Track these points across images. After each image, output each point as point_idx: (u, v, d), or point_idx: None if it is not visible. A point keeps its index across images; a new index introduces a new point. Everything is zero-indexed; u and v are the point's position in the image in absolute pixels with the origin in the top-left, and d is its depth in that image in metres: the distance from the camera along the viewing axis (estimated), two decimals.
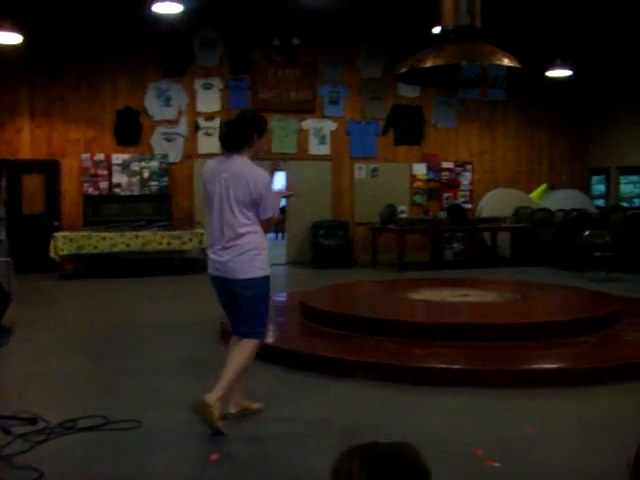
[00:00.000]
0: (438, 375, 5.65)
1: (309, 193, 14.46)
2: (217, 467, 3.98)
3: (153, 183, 13.88)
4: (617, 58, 15.66)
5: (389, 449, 1.68)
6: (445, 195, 15.92)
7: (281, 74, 14.65)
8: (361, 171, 15.20)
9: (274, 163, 5.06)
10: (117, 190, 13.78)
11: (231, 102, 14.38)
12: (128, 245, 12.52)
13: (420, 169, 15.69)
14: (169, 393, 5.42)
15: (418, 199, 15.73)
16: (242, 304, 4.68)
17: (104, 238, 12.44)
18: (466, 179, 16.08)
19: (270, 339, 7.33)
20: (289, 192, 4.96)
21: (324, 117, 14.96)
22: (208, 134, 14.24)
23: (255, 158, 4.68)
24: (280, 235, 21.94)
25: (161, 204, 14.01)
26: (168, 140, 14.10)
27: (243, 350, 4.64)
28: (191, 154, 14.21)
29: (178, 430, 4.54)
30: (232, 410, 4.79)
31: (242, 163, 4.56)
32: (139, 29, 13.61)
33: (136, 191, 13.84)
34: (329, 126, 14.97)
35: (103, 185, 13.70)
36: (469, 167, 16.08)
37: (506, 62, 7.39)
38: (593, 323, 6.88)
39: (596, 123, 16.93)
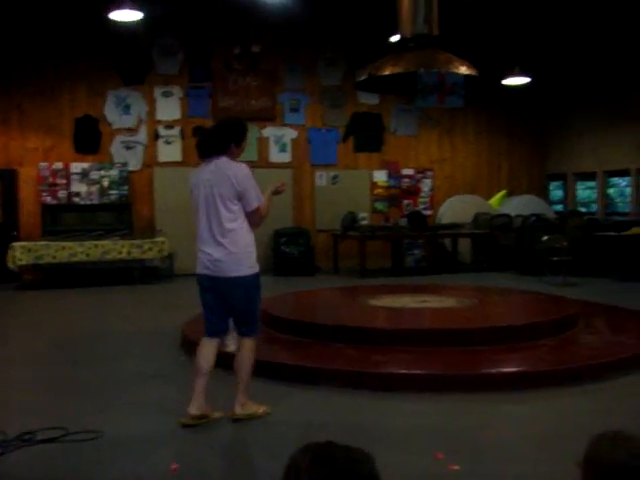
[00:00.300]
0: (399, 381, 5.69)
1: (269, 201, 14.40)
2: (177, 477, 3.96)
3: (113, 192, 13.77)
4: (573, 66, 15.93)
5: (341, 452, 1.70)
6: (405, 202, 16.03)
7: (241, 82, 14.64)
8: (322, 178, 15.25)
9: (279, 186, 5.08)
10: (76, 199, 13.64)
11: (191, 110, 14.35)
12: (88, 254, 12.40)
13: (380, 176, 15.79)
14: (129, 403, 5.38)
15: (379, 206, 15.81)
16: (235, 305, 4.79)
17: (63, 248, 12.31)
18: (426, 186, 16.21)
19: (232, 347, 7.33)
20: (280, 187, 5.02)
21: (284, 125, 14.98)
22: (168, 142, 14.18)
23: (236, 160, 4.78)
24: None
25: (121, 213, 13.90)
26: (128, 148, 14.01)
27: (243, 351, 4.86)
28: (151, 162, 14.13)
29: (138, 440, 4.52)
30: (194, 412, 4.75)
31: (221, 162, 4.68)
32: (98, 37, 13.49)
33: (95, 200, 13.71)
34: (290, 134, 15.00)
35: (62, 194, 13.55)
36: (429, 174, 16.22)
37: (463, 70, 7.47)
38: (551, 326, 6.98)
39: (553, 130, 17.19)
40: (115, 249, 12.54)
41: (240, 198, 4.64)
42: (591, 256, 13.19)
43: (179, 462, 4.10)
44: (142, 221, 14.10)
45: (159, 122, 14.21)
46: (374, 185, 15.77)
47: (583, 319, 7.62)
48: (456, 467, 3.96)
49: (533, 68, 14.92)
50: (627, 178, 15.70)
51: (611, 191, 17.13)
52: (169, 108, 14.23)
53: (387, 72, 7.61)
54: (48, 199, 13.48)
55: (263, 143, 14.86)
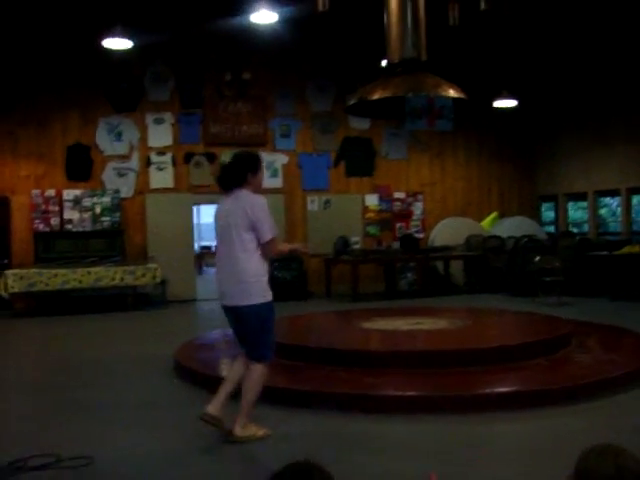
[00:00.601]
0: (393, 403, 5.69)
1: None
2: None
3: (105, 218, 13.79)
4: (559, 88, 16.08)
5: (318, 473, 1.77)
6: (397, 225, 16.07)
7: (232, 108, 14.72)
8: (314, 203, 15.29)
9: (303, 249, 5.55)
10: (69, 226, 13.65)
11: (183, 137, 14.41)
12: (80, 281, 12.38)
13: (372, 200, 15.84)
14: (121, 429, 5.36)
15: (371, 230, 15.85)
16: (247, 331, 4.92)
17: (56, 275, 12.29)
18: (418, 209, 16.27)
19: (225, 372, 7.32)
20: (303, 249, 5.34)
21: (276, 150, 15.04)
22: (160, 169, 14.22)
23: (257, 192, 4.97)
24: None
25: (114, 239, 13.90)
26: (120, 175, 14.04)
27: (252, 375, 4.91)
28: (143, 189, 14.15)
29: (130, 466, 4.50)
30: (213, 412, 4.88)
31: (240, 194, 4.87)
32: (89, 65, 13.60)
33: (88, 227, 13.73)
34: (281, 159, 15.06)
35: (54, 221, 13.56)
36: (420, 197, 16.28)
37: (452, 93, 7.55)
38: (544, 346, 6.99)
39: (543, 151, 17.30)
40: (108, 276, 12.53)
41: (254, 229, 4.77)
42: (583, 276, 13.24)
43: None
44: (135, 248, 14.11)
45: (151, 149, 14.26)
46: (366, 209, 15.82)
47: (576, 338, 7.64)
48: None
49: (520, 91, 15.07)
50: (617, 198, 15.80)
51: (603, 211, 17.24)
52: (161, 135, 14.29)
53: (376, 96, 7.67)
54: (40, 226, 13.49)
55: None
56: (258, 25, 11.78)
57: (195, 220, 19.57)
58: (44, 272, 12.28)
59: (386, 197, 15.98)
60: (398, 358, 6.62)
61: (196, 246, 19.98)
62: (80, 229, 13.70)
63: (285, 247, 5.56)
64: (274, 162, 14.99)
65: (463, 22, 8.56)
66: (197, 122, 14.55)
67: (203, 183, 14.52)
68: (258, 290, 4.81)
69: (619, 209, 15.82)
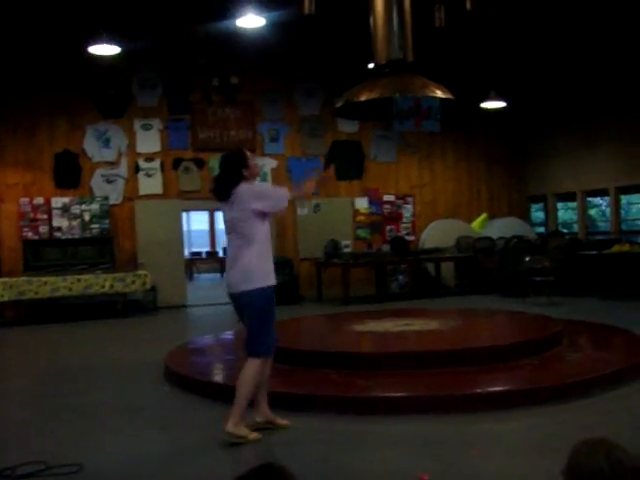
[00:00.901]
0: (383, 404, 5.67)
1: None
2: None
3: (94, 226, 13.74)
4: (548, 88, 16.12)
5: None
6: (388, 228, 16.07)
7: (220, 113, 14.70)
8: (303, 207, 15.26)
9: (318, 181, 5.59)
10: (58, 234, 13.59)
11: (171, 143, 14.38)
12: (70, 289, 12.32)
13: (362, 203, 15.84)
14: (110, 435, 5.32)
15: (361, 233, 15.85)
16: (248, 320, 5.04)
17: (45, 283, 12.23)
18: (408, 211, 16.27)
19: (218, 377, 7.30)
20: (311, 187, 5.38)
21: (265, 155, 15.02)
22: (148, 175, 14.19)
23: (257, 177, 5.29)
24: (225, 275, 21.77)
25: (103, 247, 13.85)
26: (108, 182, 14.00)
27: (247, 370, 4.97)
28: (132, 195, 14.11)
29: (119, 472, 4.47)
30: (258, 419, 5.15)
31: (236, 191, 5.00)
32: (76, 71, 13.56)
33: (77, 234, 13.67)
34: (270, 164, 15.03)
35: (43, 229, 13.50)
36: (410, 199, 16.29)
37: (439, 94, 7.54)
38: (535, 346, 6.99)
39: (532, 152, 17.34)
40: (98, 283, 12.47)
41: (264, 206, 4.97)
42: (573, 276, 13.26)
43: None
44: (124, 254, 14.06)
45: (139, 155, 14.22)
46: (356, 212, 15.82)
47: (567, 337, 7.65)
48: None
49: (508, 92, 15.11)
50: (606, 198, 15.84)
51: (592, 212, 17.29)
52: (149, 141, 14.26)
53: (363, 98, 7.67)
54: (29, 234, 13.42)
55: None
56: (245, 30, 11.77)
57: (185, 226, 19.56)
58: (33, 280, 12.22)
59: (376, 200, 15.98)
60: (389, 360, 6.61)
61: (186, 252, 19.93)
62: (69, 237, 13.64)
63: (294, 193, 5.54)
64: (263, 167, 14.94)
65: (449, 23, 8.57)
66: (185, 128, 14.52)
67: (192, 189, 14.50)
68: (259, 276, 4.94)
69: (608, 209, 15.86)
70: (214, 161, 14.49)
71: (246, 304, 4.99)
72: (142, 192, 14.18)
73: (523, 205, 17.66)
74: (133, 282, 12.68)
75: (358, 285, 14.61)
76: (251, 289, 4.93)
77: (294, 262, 14.76)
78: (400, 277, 15.56)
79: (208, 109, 14.65)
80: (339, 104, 8.22)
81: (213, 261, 24.32)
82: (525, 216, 17.47)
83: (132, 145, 14.19)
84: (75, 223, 13.66)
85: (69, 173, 13.78)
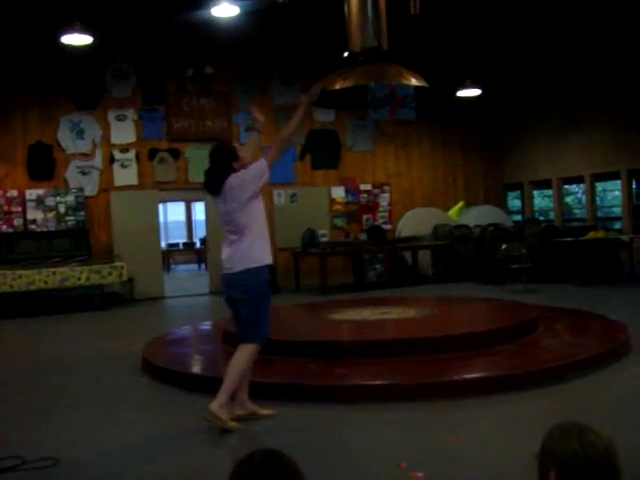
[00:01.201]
0: (361, 392, 5.68)
1: None
2: None
3: (70, 218, 13.62)
4: (523, 76, 16.19)
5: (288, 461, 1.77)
6: (364, 217, 16.08)
7: (195, 103, 14.61)
8: (280, 197, 15.23)
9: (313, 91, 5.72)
10: (32, 226, 13.46)
11: (146, 133, 14.28)
12: (46, 282, 12.21)
13: (339, 192, 15.83)
14: (87, 428, 5.28)
15: (338, 222, 15.84)
16: (241, 305, 5.07)
17: (20, 276, 12.11)
18: (384, 200, 16.28)
19: (195, 368, 7.28)
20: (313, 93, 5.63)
21: (241, 145, 14.89)
22: (124, 166, 14.08)
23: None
24: (203, 265, 21.73)
25: (79, 239, 13.74)
26: (83, 173, 13.88)
27: (240, 354, 5.03)
28: (107, 187, 14.00)
29: (96, 465, 4.44)
30: (239, 412, 5.13)
31: (227, 181, 5.03)
32: (49, 61, 13.41)
33: (52, 227, 13.55)
34: None
35: (17, 222, 13.37)
36: (387, 188, 16.30)
37: (413, 82, 7.52)
38: (511, 332, 7.03)
39: (508, 140, 17.41)
40: (74, 275, 12.37)
41: (254, 184, 5.02)
42: (550, 262, 13.34)
43: None
44: (100, 246, 13.96)
45: (114, 146, 14.10)
46: (333, 202, 15.80)
47: (543, 323, 7.70)
48: (419, 474, 3.95)
49: (484, 80, 15.14)
50: (582, 186, 15.95)
51: (568, 199, 17.39)
52: (124, 131, 14.14)
53: (338, 86, 7.64)
54: (4, 227, 13.29)
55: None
56: (220, 19, 11.72)
57: (162, 218, 19.46)
58: (8, 274, 12.09)
59: (352, 189, 15.98)
60: (368, 348, 6.62)
61: (163, 244, 19.84)
62: (44, 229, 13.52)
63: (299, 112, 5.64)
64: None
65: (424, 10, 8.55)
66: (160, 118, 14.42)
67: (168, 179, 14.42)
68: (256, 257, 5.01)
69: (584, 197, 15.97)
70: (190, 151, 14.46)
71: (242, 286, 5.01)
72: (117, 183, 14.07)
73: (499, 193, 17.73)
74: (110, 274, 12.59)
75: (335, 274, 14.61)
76: (247, 268, 4.97)
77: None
78: (377, 266, 15.60)
79: (183, 99, 14.55)
80: None
81: (190, 252, 24.21)
82: (501, 204, 17.55)
83: (106, 136, 14.07)
84: (50, 215, 13.53)
85: (43, 165, 13.64)
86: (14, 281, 12.05)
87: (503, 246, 12.81)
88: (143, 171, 14.24)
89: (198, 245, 23.42)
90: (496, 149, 17.52)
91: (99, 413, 5.69)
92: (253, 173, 5.03)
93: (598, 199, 16.07)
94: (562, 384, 5.69)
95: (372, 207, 16.18)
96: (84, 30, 11.23)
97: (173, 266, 23.80)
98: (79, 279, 12.39)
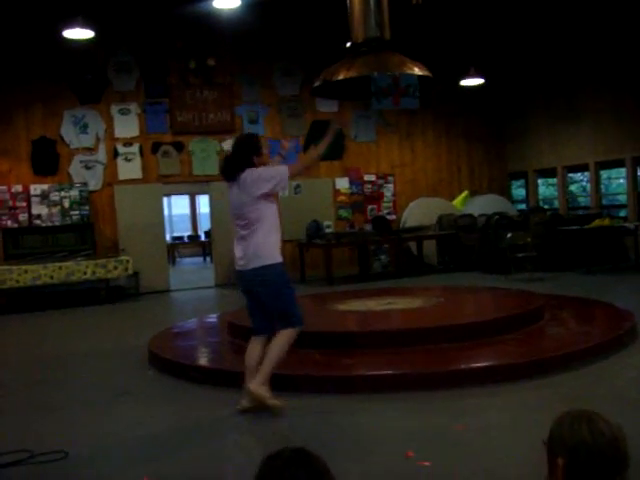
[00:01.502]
0: (368, 382, 5.69)
1: None
2: None
3: (74, 212, 13.63)
4: (527, 64, 16.14)
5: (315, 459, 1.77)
6: (369, 207, 16.06)
7: (198, 96, 14.59)
8: (284, 189, 15.18)
9: (333, 131, 5.66)
10: (37, 221, 13.48)
11: (149, 126, 14.26)
12: (52, 277, 12.23)
13: (343, 183, 15.81)
14: (95, 422, 5.30)
15: (343, 213, 15.83)
16: (265, 302, 5.18)
17: (26, 271, 12.13)
18: (389, 191, 16.26)
19: (202, 360, 7.29)
20: (333, 130, 5.60)
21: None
22: (127, 160, 14.08)
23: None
24: (208, 258, 21.75)
25: (84, 233, 13.76)
26: (87, 168, 13.88)
27: (281, 337, 5.13)
28: (111, 181, 14.00)
29: (104, 459, 4.46)
30: (245, 404, 5.14)
31: (244, 174, 5.07)
32: (52, 56, 13.39)
33: (57, 221, 13.56)
34: None
35: (22, 217, 13.38)
36: (391, 179, 16.28)
37: (416, 71, 7.52)
38: (517, 321, 7.03)
39: (511, 128, 17.35)
40: (79, 270, 12.39)
41: (270, 182, 5.04)
42: (555, 251, 13.33)
43: (148, 476, 4.05)
44: (105, 240, 13.97)
45: (117, 140, 14.09)
46: (337, 192, 15.78)
47: (549, 312, 7.70)
48: (427, 463, 3.95)
49: (487, 69, 15.10)
50: (587, 174, 15.91)
51: (573, 188, 17.35)
52: (127, 125, 14.12)
53: (341, 77, 7.63)
54: (9, 223, 13.30)
55: (224, 156, 14.77)
56: (221, 11, 11.69)
57: (166, 211, 19.48)
58: (14, 269, 12.12)
59: (357, 180, 15.96)
60: (373, 338, 6.62)
61: (168, 237, 19.85)
62: (49, 224, 13.53)
63: (320, 148, 5.63)
64: None
65: (426, 0, 8.53)
66: (163, 111, 14.40)
67: (172, 173, 14.41)
68: (269, 254, 5.08)
69: (589, 185, 15.93)
70: (193, 144, 14.46)
71: (260, 282, 5.10)
72: (121, 177, 14.07)
73: (504, 182, 17.69)
74: (115, 268, 12.60)
75: (341, 265, 14.62)
76: (262, 265, 5.06)
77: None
78: (382, 256, 15.59)
79: (186, 92, 14.53)
80: (317, 84, 8.18)
81: (195, 245, 24.21)
82: (506, 193, 17.51)
83: (110, 130, 14.06)
84: (55, 210, 13.54)
85: (47, 160, 13.65)
86: (20, 276, 12.07)
87: (508, 235, 12.79)
88: (147, 165, 14.24)
89: (203, 238, 23.42)
90: (500, 138, 17.48)
91: (106, 407, 5.70)
92: (271, 173, 5.08)
93: (603, 187, 16.02)
94: (568, 372, 5.69)
95: (376, 197, 16.16)
96: (86, 24, 11.22)
97: (178, 259, 23.81)
98: (85, 273, 12.41)
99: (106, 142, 14.01)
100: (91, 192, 13.82)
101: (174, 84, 14.46)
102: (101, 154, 13.98)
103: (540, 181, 17.49)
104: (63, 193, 13.58)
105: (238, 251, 5.20)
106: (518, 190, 18.28)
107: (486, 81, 15.13)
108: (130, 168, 14.06)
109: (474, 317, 7.56)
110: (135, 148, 14.13)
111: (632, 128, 14.08)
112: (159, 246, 14.47)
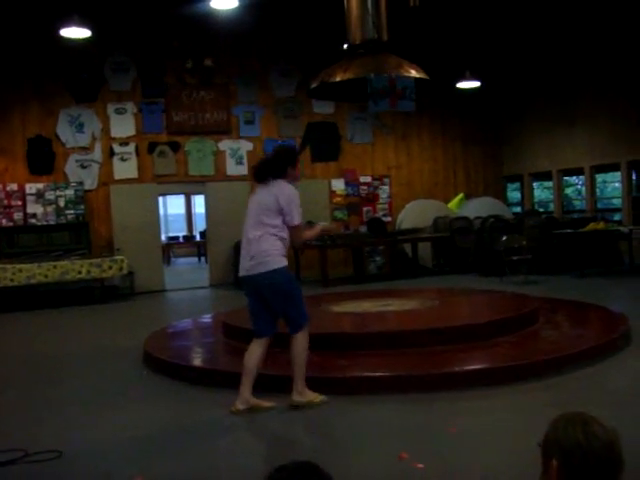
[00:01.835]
0: (363, 384, 5.69)
1: (229, 214, 14.43)
2: None
3: (69, 212, 13.61)
4: (523, 68, 16.17)
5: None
6: (365, 209, 16.08)
7: (195, 96, 14.59)
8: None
9: (333, 227, 5.68)
10: (33, 220, 13.45)
11: (146, 126, 14.25)
12: (46, 276, 12.21)
13: (339, 185, 15.82)
14: (90, 422, 5.29)
15: (338, 214, 15.84)
16: (272, 305, 5.25)
17: (21, 270, 12.11)
18: (384, 192, 16.28)
19: (197, 361, 7.29)
20: (331, 228, 5.63)
21: (240, 137, 14.94)
22: (123, 159, 14.06)
23: (294, 182, 5.42)
24: (203, 258, 21.73)
25: (79, 232, 13.74)
26: (83, 167, 13.86)
27: (295, 344, 5.27)
28: (107, 180, 13.99)
29: (99, 459, 4.45)
30: (240, 407, 5.17)
31: (276, 182, 5.26)
32: (48, 55, 13.38)
33: (52, 220, 13.54)
34: (246, 146, 14.96)
35: (17, 216, 13.36)
36: (386, 180, 16.30)
37: (413, 73, 7.54)
38: (512, 323, 7.04)
39: (507, 132, 17.39)
40: (74, 269, 12.37)
41: (283, 214, 5.18)
42: (550, 254, 13.35)
43: (141, 475, 4.05)
44: (100, 240, 13.96)
45: (113, 139, 14.08)
46: (333, 194, 15.80)
47: (543, 315, 7.71)
48: (420, 465, 3.96)
49: (483, 72, 15.12)
50: (582, 177, 15.94)
51: (569, 191, 17.39)
52: (123, 125, 14.11)
53: (338, 78, 7.64)
54: (4, 221, 13.28)
55: (219, 157, 14.82)
56: (219, 11, 11.68)
57: (161, 211, 19.45)
58: (8, 267, 12.09)
59: (352, 181, 15.97)
60: (368, 340, 6.63)
61: (163, 237, 19.85)
62: (44, 223, 13.51)
63: (314, 231, 5.89)
64: (239, 149, 14.91)
65: (423, 2, 8.54)
66: (160, 111, 14.40)
67: (168, 173, 14.41)
68: (271, 262, 5.14)
69: (584, 188, 15.97)
70: (189, 144, 14.46)
71: (268, 285, 5.18)
72: (117, 177, 14.06)
73: (499, 185, 17.73)
74: (110, 267, 12.59)
75: (336, 267, 14.62)
76: (268, 270, 5.14)
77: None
78: (378, 258, 15.60)
79: (182, 92, 14.53)
80: (314, 85, 8.20)
81: (190, 245, 24.21)
82: (501, 196, 17.54)
83: (106, 129, 14.05)
84: (50, 209, 13.52)
85: (43, 159, 13.62)
86: (14, 275, 12.05)
87: (503, 238, 12.81)
88: (143, 164, 14.23)
89: (198, 238, 23.40)
90: (496, 141, 17.51)
91: (101, 407, 5.69)
92: (287, 207, 5.19)
93: (598, 190, 16.08)
94: (562, 375, 5.70)
95: (372, 199, 16.18)
96: (83, 23, 11.21)
97: (173, 259, 23.80)
98: (79, 273, 12.39)
99: (102, 141, 14.00)
100: (86, 191, 13.80)
101: (171, 84, 14.45)
102: (97, 153, 13.96)
103: (535, 184, 17.53)
104: (58, 192, 13.56)
105: (244, 254, 5.28)
106: (513, 193, 18.32)
107: (482, 84, 15.16)
108: (126, 168, 14.06)
109: (469, 319, 7.57)
110: (131, 148, 14.12)
111: (627, 132, 14.12)
112: (154, 246, 14.46)
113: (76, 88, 13.84)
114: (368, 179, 16.13)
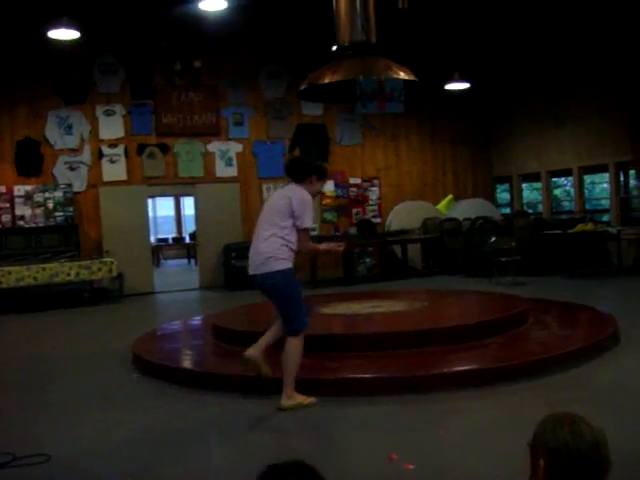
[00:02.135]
0: (353, 386, 5.70)
1: (218, 216, 14.43)
2: None
3: (58, 214, 13.56)
4: (511, 69, 16.22)
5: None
6: (354, 211, 16.09)
7: (184, 98, 14.57)
8: (269, 191, 15.19)
9: (337, 248, 5.85)
10: (21, 222, 13.39)
11: (135, 128, 14.21)
12: (35, 278, 12.17)
13: (328, 186, 15.79)
14: (79, 425, 5.28)
15: (328, 216, 15.85)
16: (276, 302, 5.41)
17: (9, 272, 12.06)
18: (374, 194, 16.30)
19: (186, 363, 7.28)
20: (338, 249, 5.82)
21: (229, 139, 14.92)
22: (112, 161, 14.03)
23: (314, 196, 5.51)
24: (192, 260, 21.69)
25: (68, 234, 13.67)
26: (71, 169, 13.81)
27: (288, 348, 5.29)
28: (96, 182, 13.95)
29: (87, 462, 4.44)
30: (253, 353, 5.30)
31: (294, 186, 5.41)
32: (36, 56, 13.32)
33: (41, 222, 13.48)
34: (235, 148, 14.95)
35: (5, 218, 13.29)
36: (376, 182, 16.32)
37: (402, 75, 7.55)
38: (501, 324, 7.06)
39: (496, 133, 17.45)
40: (63, 271, 12.34)
41: (294, 217, 5.27)
42: (539, 255, 13.39)
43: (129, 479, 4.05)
44: (89, 242, 13.91)
45: (102, 141, 14.02)
46: (322, 195, 15.78)
47: (532, 316, 7.74)
48: (410, 466, 3.97)
49: (472, 73, 15.15)
50: (571, 179, 16.01)
51: (557, 192, 17.45)
52: (112, 127, 14.07)
53: (327, 80, 7.65)
54: None
55: (209, 158, 14.79)
56: (207, 12, 11.67)
57: (151, 213, 19.42)
58: None
59: (342, 183, 15.98)
60: (357, 341, 6.64)
61: (152, 239, 19.81)
62: (33, 225, 13.45)
63: (319, 246, 6.05)
64: (228, 151, 14.89)
65: (412, 4, 8.55)
66: (149, 113, 14.36)
67: (157, 174, 14.38)
68: (274, 263, 5.23)
69: (572, 189, 16.04)
70: (179, 146, 14.44)
71: (270, 286, 5.32)
72: (106, 179, 14.02)
73: (488, 186, 17.78)
74: (99, 270, 12.56)
75: (325, 268, 14.62)
76: (271, 271, 5.24)
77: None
78: (367, 259, 15.61)
79: (171, 93, 14.50)
80: (303, 87, 8.20)
81: (180, 247, 24.16)
82: (490, 197, 17.59)
83: (95, 131, 13.99)
84: (38, 211, 13.47)
85: (31, 161, 13.56)
86: (3, 277, 12.00)
87: (492, 239, 12.85)
88: (132, 166, 14.20)
89: (187, 240, 23.37)
90: (485, 142, 17.56)
91: (91, 409, 5.68)
92: (299, 210, 5.27)
93: (586, 192, 16.14)
94: (551, 376, 5.72)
95: (361, 201, 16.19)
96: (71, 25, 11.16)
97: (163, 261, 23.75)
98: (68, 275, 12.36)
99: (91, 143, 13.95)
100: (75, 193, 13.75)
101: (159, 85, 14.42)
102: (86, 155, 13.91)
103: (524, 185, 17.59)
104: (47, 194, 13.50)
105: (252, 252, 5.41)
106: (502, 194, 18.37)
107: (472, 86, 15.19)
108: (115, 169, 14.02)
109: (458, 320, 7.59)
110: (120, 149, 14.09)
111: (615, 133, 14.19)
112: (143, 248, 14.43)
113: (65, 90, 13.80)
114: (358, 181, 16.14)
